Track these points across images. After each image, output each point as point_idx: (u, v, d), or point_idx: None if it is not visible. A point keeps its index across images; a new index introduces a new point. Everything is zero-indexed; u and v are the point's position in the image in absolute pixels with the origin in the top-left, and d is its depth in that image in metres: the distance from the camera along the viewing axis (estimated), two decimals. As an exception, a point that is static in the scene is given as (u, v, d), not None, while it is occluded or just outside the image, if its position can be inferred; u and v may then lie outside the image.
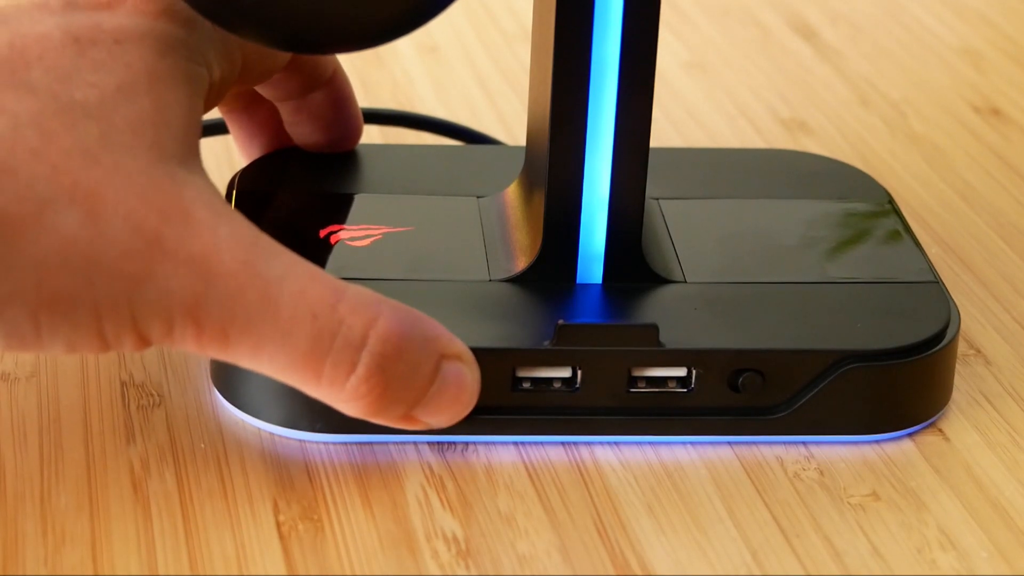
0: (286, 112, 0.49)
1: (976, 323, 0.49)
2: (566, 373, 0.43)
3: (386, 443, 0.43)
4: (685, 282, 0.45)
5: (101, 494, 0.41)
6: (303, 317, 0.38)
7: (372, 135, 0.56)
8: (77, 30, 0.39)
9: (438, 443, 0.43)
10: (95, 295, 0.37)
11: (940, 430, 0.45)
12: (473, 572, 0.39)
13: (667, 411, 0.43)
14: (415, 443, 0.43)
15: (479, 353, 0.41)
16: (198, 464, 0.42)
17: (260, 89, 0.48)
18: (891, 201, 0.50)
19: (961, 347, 0.48)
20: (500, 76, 0.64)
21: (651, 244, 0.46)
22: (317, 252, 0.45)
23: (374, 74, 0.63)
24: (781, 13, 0.70)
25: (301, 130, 0.49)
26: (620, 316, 0.44)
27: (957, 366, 0.46)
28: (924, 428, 0.45)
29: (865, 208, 0.49)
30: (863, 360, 0.43)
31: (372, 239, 0.46)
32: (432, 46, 0.66)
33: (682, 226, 0.47)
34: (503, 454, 0.43)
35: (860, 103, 0.63)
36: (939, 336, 0.44)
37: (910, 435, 0.44)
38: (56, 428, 0.43)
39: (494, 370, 0.42)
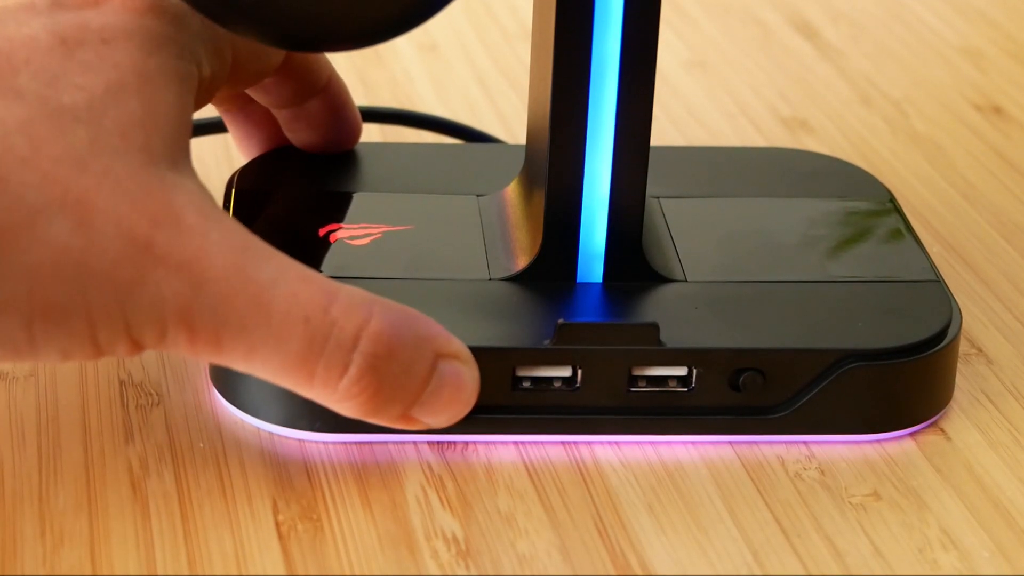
0: (283, 119, 0.49)
1: (978, 322, 0.49)
2: (566, 372, 0.43)
3: (386, 443, 0.43)
4: (686, 281, 0.45)
5: (100, 494, 0.41)
6: (295, 321, 0.38)
7: (371, 133, 0.56)
8: (64, 31, 0.39)
9: (438, 442, 0.43)
10: (88, 303, 0.37)
11: (941, 429, 0.45)
12: (473, 572, 0.39)
13: (667, 410, 0.43)
14: (415, 443, 0.43)
15: (479, 352, 0.41)
16: (197, 464, 0.42)
17: (255, 95, 0.48)
18: (892, 200, 0.50)
19: (963, 346, 0.48)
20: (500, 74, 0.64)
21: (651, 243, 0.46)
22: (316, 251, 0.45)
23: (373, 72, 0.63)
24: (782, 11, 0.70)
25: (299, 136, 0.49)
26: (620, 315, 0.44)
27: (959, 365, 0.46)
28: (925, 427, 0.45)
29: (866, 207, 0.49)
30: (864, 359, 0.43)
31: (371, 238, 0.46)
32: (432, 44, 0.65)
33: (683, 225, 0.47)
34: (503, 453, 0.43)
35: (861, 102, 0.62)
36: (940, 335, 0.44)
37: (911, 434, 0.44)
38: (54, 427, 0.43)
39: (494, 369, 0.42)
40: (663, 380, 0.43)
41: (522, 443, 0.43)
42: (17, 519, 0.40)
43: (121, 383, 0.44)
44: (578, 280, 0.45)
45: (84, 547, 0.39)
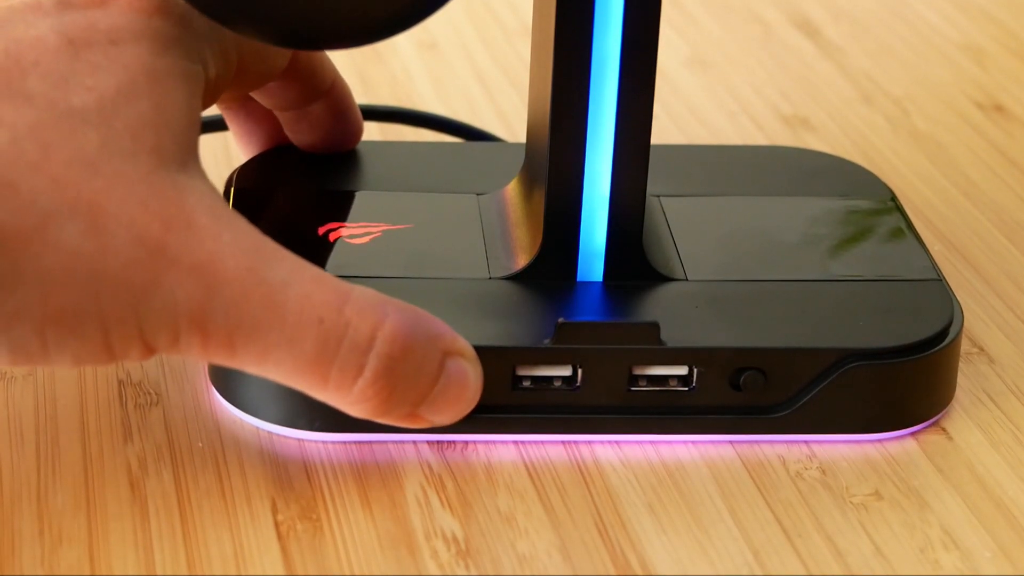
0: (286, 120, 0.49)
1: (979, 321, 0.49)
2: (566, 372, 0.43)
3: (385, 442, 0.43)
4: (686, 280, 0.45)
5: (98, 493, 0.41)
6: (309, 322, 0.38)
7: (371, 132, 0.56)
8: (72, 32, 0.39)
9: (437, 442, 0.43)
10: (101, 307, 0.37)
11: (943, 429, 0.45)
12: (473, 572, 0.39)
13: (668, 410, 0.43)
14: (414, 442, 0.43)
15: (479, 351, 0.41)
16: (196, 463, 0.42)
17: (259, 98, 0.48)
18: (894, 198, 0.50)
19: (964, 345, 0.47)
20: (500, 72, 0.63)
21: (652, 241, 0.46)
22: (316, 250, 0.45)
23: (373, 70, 0.63)
24: (783, 9, 0.70)
25: (301, 137, 0.49)
26: (621, 314, 0.44)
27: (960, 364, 0.46)
28: (927, 427, 0.45)
29: (868, 205, 0.49)
30: (865, 358, 0.43)
31: (371, 237, 0.46)
32: (431, 42, 0.65)
33: (683, 223, 0.47)
34: (503, 453, 0.43)
35: (862, 100, 0.62)
36: (942, 334, 0.44)
37: (913, 434, 0.44)
38: (53, 427, 0.43)
39: (494, 369, 0.42)
40: (664, 379, 0.43)
41: (522, 443, 0.43)
42: (15, 519, 0.40)
43: (120, 382, 0.44)
44: (578, 279, 0.45)
45: (82, 547, 0.39)
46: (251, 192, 0.47)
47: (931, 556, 0.40)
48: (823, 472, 0.43)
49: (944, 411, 0.45)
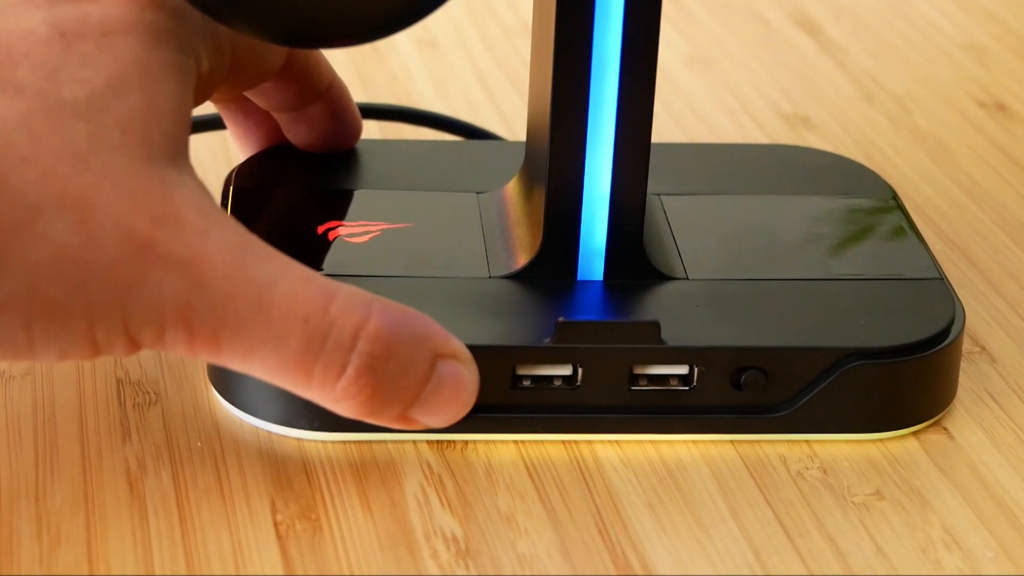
0: (283, 121, 0.49)
1: (981, 320, 0.49)
2: (567, 371, 0.42)
3: (385, 442, 0.43)
4: (687, 279, 0.45)
5: (97, 493, 0.41)
6: (295, 320, 0.38)
7: (370, 130, 0.56)
8: (63, 23, 0.39)
9: (437, 441, 0.43)
10: (88, 301, 0.37)
11: (945, 428, 0.45)
12: (473, 572, 0.39)
13: (669, 409, 0.43)
14: (414, 441, 0.43)
15: (478, 351, 0.41)
16: (195, 463, 0.42)
17: (256, 99, 0.47)
18: (895, 197, 0.50)
19: (966, 344, 0.47)
20: (500, 71, 0.63)
21: (653, 240, 0.45)
22: (315, 249, 0.45)
23: (372, 69, 0.63)
24: (784, 7, 0.69)
25: (299, 137, 0.49)
26: (621, 313, 0.44)
27: (962, 364, 0.46)
28: (928, 426, 0.44)
29: (869, 204, 0.49)
30: (867, 357, 0.43)
31: (371, 235, 0.46)
32: (431, 40, 0.65)
33: (684, 222, 0.47)
34: (503, 452, 0.43)
35: (864, 98, 0.62)
36: (944, 333, 0.44)
37: (914, 433, 0.44)
38: (51, 426, 0.43)
39: (494, 368, 0.42)
40: (664, 379, 0.43)
41: (522, 442, 0.43)
42: (14, 518, 0.40)
43: (118, 381, 0.44)
44: (579, 278, 0.45)
45: (81, 547, 0.39)
46: (250, 191, 0.47)
47: (933, 556, 0.40)
48: (824, 472, 0.43)
49: (946, 411, 0.45)
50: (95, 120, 0.38)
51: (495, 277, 0.44)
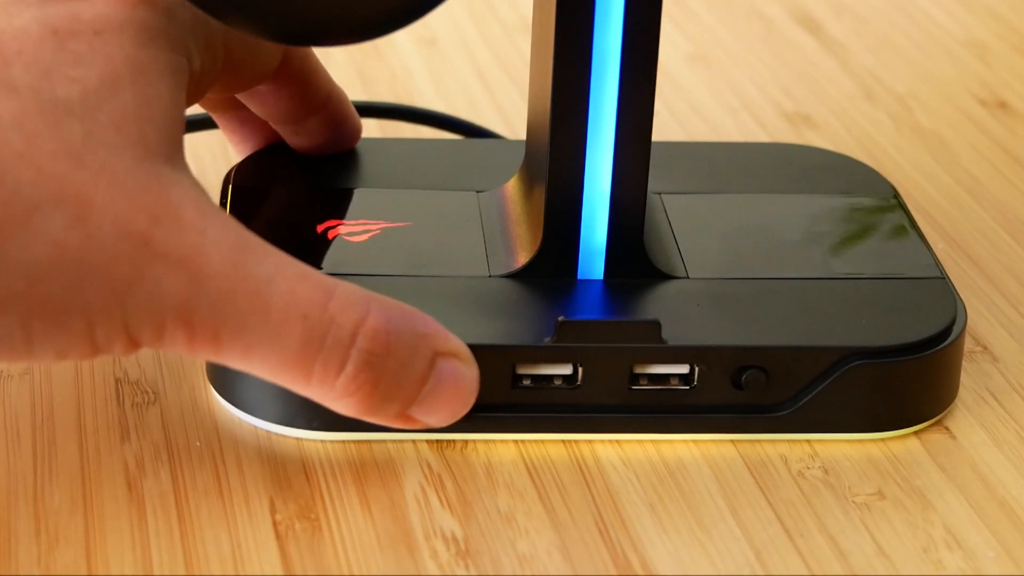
0: (283, 133, 0.48)
1: (983, 319, 0.49)
2: (567, 370, 0.42)
3: (384, 441, 0.43)
4: (688, 278, 0.45)
5: (95, 493, 0.40)
6: (294, 318, 0.38)
7: (370, 129, 0.56)
8: (55, 22, 0.39)
9: (437, 441, 0.43)
10: (86, 299, 0.37)
11: (946, 428, 0.44)
12: (473, 572, 0.39)
13: (669, 409, 0.43)
14: (413, 441, 0.43)
15: (479, 350, 0.41)
16: (194, 462, 0.42)
17: (253, 107, 0.47)
18: (896, 196, 0.50)
19: (967, 344, 0.47)
20: (500, 69, 0.63)
21: (653, 239, 0.45)
22: (314, 247, 0.45)
23: (372, 67, 0.63)
24: (785, 5, 0.69)
25: (299, 147, 0.49)
26: (622, 312, 0.44)
27: (963, 363, 0.46)
28: (930, 426, 0.44)
29: (870, 203, 0.49)
30: (868, 357, 0.43)
31: (370, 234, 0.46)
32: (431, 38, 0.65)
33: (685, 221, 0.47)
34: (503, 452, 0.43)
35: (865, 97, 0.62)
36: (945, 333, 0.44)
37: (916, 433, 0.44)
38: (50, 426, 0.43)
39: (494, 367, 0.42)
40: (665, 378, 0.43)
41: (522, 442, 0.43)
42: (12, 518, 0.40)
43: (117, 381, 0.44)
44: (579, 277, 0.45)
45: (79, 547, 0.39)
46: (249, 189, 0.47)
47: (934, 556, 0.40)
48: (825, 471, 0.43)
49: (947, 410, 0.45)
50: (89, 119, 0.38)
51: (495, 276, 0.44)
